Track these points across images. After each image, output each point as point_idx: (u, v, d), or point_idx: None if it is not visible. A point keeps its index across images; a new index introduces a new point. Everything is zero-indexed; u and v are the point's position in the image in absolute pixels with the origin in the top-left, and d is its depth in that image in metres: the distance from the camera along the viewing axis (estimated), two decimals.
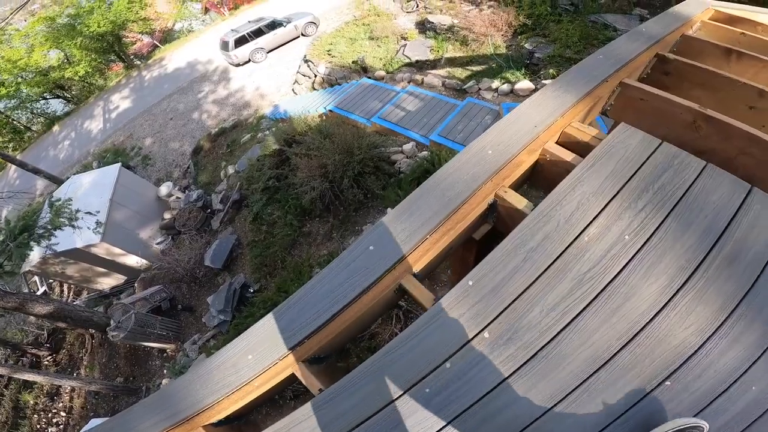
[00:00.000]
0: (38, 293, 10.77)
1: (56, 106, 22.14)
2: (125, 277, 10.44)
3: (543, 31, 10.65)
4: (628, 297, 1.36)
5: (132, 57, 23.94)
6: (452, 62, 10.46)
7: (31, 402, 9.66)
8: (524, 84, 8.91)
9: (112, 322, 7.75)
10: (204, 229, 9.68)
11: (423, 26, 12.44)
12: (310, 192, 7.39)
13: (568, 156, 1.82)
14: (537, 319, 1.36)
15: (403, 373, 1.34)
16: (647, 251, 1.44)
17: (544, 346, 1.32)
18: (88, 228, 8.44)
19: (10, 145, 20.53)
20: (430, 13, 12.96)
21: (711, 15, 3.09)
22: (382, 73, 10.88)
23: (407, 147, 7.93)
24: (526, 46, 10.19)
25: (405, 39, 12.08)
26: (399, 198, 6.66)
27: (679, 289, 1.36)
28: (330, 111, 9.86)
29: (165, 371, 8.40)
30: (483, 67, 10.04)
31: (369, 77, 11.00)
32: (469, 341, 1.35)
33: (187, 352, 8.21)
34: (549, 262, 1.45)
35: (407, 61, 10.91)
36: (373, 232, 1.62)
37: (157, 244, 10.62)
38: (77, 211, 7.61)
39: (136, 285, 9.78)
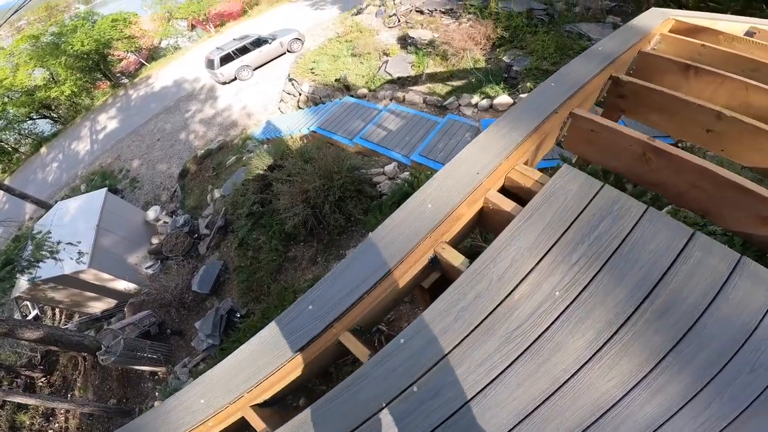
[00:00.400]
0: (30, 317, 10.91)
1: (44, 126, 22.07)
2: (116, 301, 10.47)
3: (520, 43, 10.78)
4: (554, 352, 1.41)
5: (119, 75, 23.97)
6: (433, 78, 10.57)
7: (27, 422, 9.68)
8: (503, 99, 9.01)
9: (102, 346, 7.82)
10: (191, 255, 9.68)
11: (404, 41, 12.55)
12: (293, 218, 7.42)
13: (508, 206, 1.80)
14: (464, 374, 1.41)
15: (339, 424, 1.42)
16: (576, 307, 1.46)
17: (469, 400, 1.38)
18: (71, 258, 8.57)
19: None
20: (411, 27, 13.08)
21: (671, 26, 3.05)
22: (365, 90, 10.96)
23: (389, 168, 7.99)
24: (504, 59, 10.32)
25: (387, 55, 12.18)
26: (379, 222, 6.71)
27: (604, 344, 1.40)
28: (313, 132, 9.91)
29: (157, 393, 8.48)
30: (463, 82, 10.15)
31: (352, 95, 11.08)
32: (400, 394, 1.42)
33: (177, 374, 8.25)
34: (479, 321, 1.49)
35: (389, 77, 11.01)
36: (313, 292, 1.68)
37: (146, 268, 10.62)
38: (59, 242, 7.65)
39: (125, 309, 9.78)
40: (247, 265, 8.67)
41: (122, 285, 10.16)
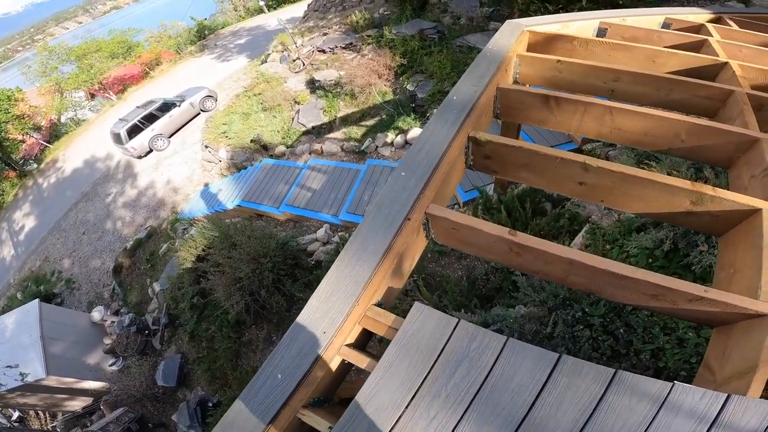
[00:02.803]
0: (13, 418, 10.37)
1: None
2: (91, 398, 10.15)
3: (420, 67, 11.27)
4: None
5: (23, 160, 22.10)
6: (346, 121, 10.81)
7: None
8: (416, 132, 9.41)
9: None
10: (146, 352, 9.49)
11: (312, 85, 12.68)
12: (234, 306, 7.39)
13: (363, 361, 1.63)
14: None
15: None
16: None
17: None
18: (14, 380, 8.57)
19: None
20: (317, 69, 13.24)
21: (528, 41, 2.97)
22: (283, 148, 11.01)
23: (320, 233, 8.12)
24: (408, 87, 10.76)
25: (298, 103, 12.29)
26: None
27: None
28: (239, 206, 9.83)
29: None
30: (376, 120, 10.47)
31: (271, 155, 11.07)
32: None
33: None
34: None
35: (303, 128, 11.13)
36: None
37: (110, 365, 10.28)
38: None
39: (102, 408, 9.58)
40: (204, 356, 8.59)
41: (90, 384, 9.93)
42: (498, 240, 1.77)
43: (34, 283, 13.48)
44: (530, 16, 10.74)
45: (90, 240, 14.06)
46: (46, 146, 22.01)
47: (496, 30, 11.67)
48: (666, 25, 3.50)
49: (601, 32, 3.34)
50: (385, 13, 13.80)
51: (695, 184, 1.83)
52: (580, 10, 10.01)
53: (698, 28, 3.44)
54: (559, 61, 2.61)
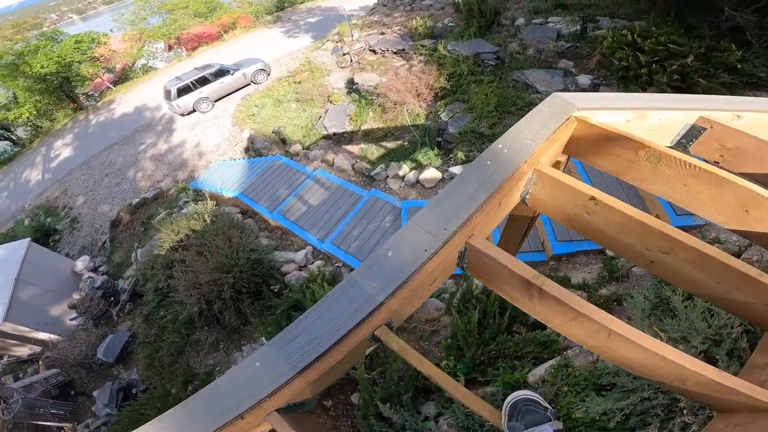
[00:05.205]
0: None
1: (3, 147, 21.57)
2: (40, 348, 10.25)
3: (463, 95, 10.19)
4: None
5: (88, 95, 23.45)
6: (368, 136, 10.03)
7: None
8: (430, 173, 8.43)
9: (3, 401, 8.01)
10: (102, 321, 9.35)
11: (351, 85, 12.01)
12: (189, 307, 6.95)
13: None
14: None
15: None
16: None
17: None
18: None
19: None
20: (362, 69, 12.54)
21: (571, 133, 1.73)
22: (299, 147, 10.44)
23: (299, 256, 7.49)
24: (442, 116, 9.75)
25: (330, 102, 11.65)
26: (268, 331, 6.19)
27: None
28: (237, 198, 9.38)
29: None
30: (397, 144, 9.61)
31: (287, 151, 10.53)
32: None
33: None
34: None
35: (325, 132, 10.46)
36: None
37: (71, 320, 10.29)
38: None
39: (40, 363, 9.55)
40: (151, 342, 8.38)
41: (43, 336, 9.95)
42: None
43: (45, 213, 13.97)
44: (613, 63, 9.38)
45: (109, 184, 14.37)
46: (110, 87, 23.09)
47: (564, 68, 10.41)
48: None
49: (694, 133, 1.89)
50: (449, 24, 12.80)
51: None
52: (691, 77, 8.35)
53: None
54: (593, 199, 1.53)
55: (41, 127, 21.01)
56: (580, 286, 5.02)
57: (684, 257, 1.34)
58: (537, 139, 1.59)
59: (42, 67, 19.20)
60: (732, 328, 2.34)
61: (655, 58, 8.63)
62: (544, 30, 11.52)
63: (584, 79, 9.65)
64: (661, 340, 2.59)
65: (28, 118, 20.17)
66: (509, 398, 1.36)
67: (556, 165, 1.80)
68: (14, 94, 20.80)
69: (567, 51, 10.90)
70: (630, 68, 8.97)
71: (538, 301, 1.33)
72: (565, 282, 5.31)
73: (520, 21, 12.20)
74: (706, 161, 1.68)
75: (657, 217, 6.39)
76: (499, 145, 1.59)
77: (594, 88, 9.28)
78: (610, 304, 4.29)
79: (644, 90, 8.98)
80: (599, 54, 10.00)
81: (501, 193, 1.51)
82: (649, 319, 3.01)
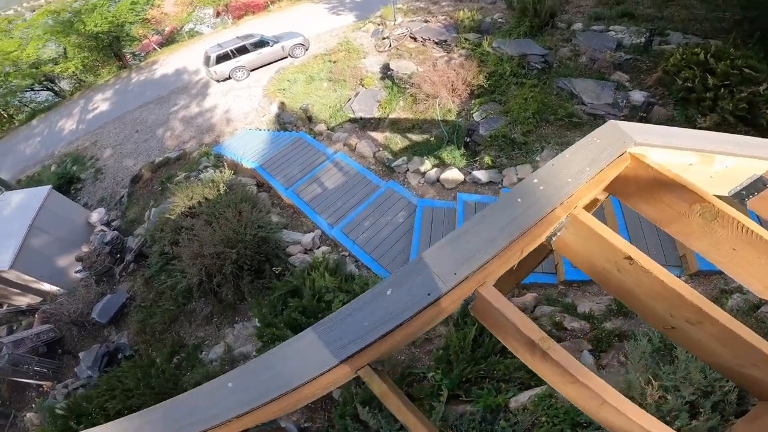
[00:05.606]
0: None
1: (45, 97, 22.26)
2: (40, 299, 10.35)
3: (501, 97, 9.54)
4: None
5: (134, 54, 23.93)
6: (395, 126, 9.57)
7: None
8: (451, 174, 7.92)
9: None
10: (104, 278, 9.30)
11: (385, 71, 11.55)
12: (189, 277, 6.80)
13: None
14: None
15: None
16: None
17: None
18: None
19: None
20: (399, 56, 12.06)
21: (622, 170, 1.39)
22: (323, 127, 10.10)
23: (306, 239, 7.21)
24: (475, 116, 9.15)
25: (362, 85, 11.23)
26: (263, 312, 5.90)
27: None
28: (254, 170, 9.16)
29: (33, 405, 8.27)
30: (423, 138, 9.10)
31: (311, 129, 10.22)
32: None
33: (55, 394, 8.09)
34: None
35: (351, 115, 10.08)
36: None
37: (76, 272, 10.36)
38: None
39: (36, 315, 9.59)
40: (147, 306, 8.23)
41: (45, 286, 9.98)
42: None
43: (72, 161, 14.26)
44: (676, 82, 8.48)
45: (137, 140, 14.53)
46: (156, 49, 23.48)
47: (617, 82, 9.53)
48: None
49: (758, 186, 1.58)
50: (499, 20, 12.11)
51: None
52: (759, 107, 7.37)
53: None
54: (629, 258, 1.27)
55: (84, 81, 21.57)
56: (585, 316, 4.80)
57: (710, 331, 1.21)
58: (581, 178, 1.32)
59: (95, 25, 19.64)
60: (727, 381, 2.46)
61: (725, 82, 7.77)
62: (603, 38, 10.68)
63: (638, 95, 8.84)
64: (653, 387, 2.61)
65: (74, 72, 20.70)
66: None
67: (593, 202, 1.51)
68: (65, 49, 21.38)
69: (625, 63, 10.07)
70: (694, 90, 8.15)
71: (539, 359, 1.27)
72: (570, 309, 5.05)
73: (578, 26, 11.39)
74: (759, 219, 1.33)
75: (683, 257, 5.53)
76: (535, 180, 1.36)
77: (647, 106, 8.46)
78: (611, 339, 4.18)
79: (704, 116, 8.14)
80: (662, 70, 9.16)
81: (526, 238, 1.30)
82: (646, 362, 3.05)
